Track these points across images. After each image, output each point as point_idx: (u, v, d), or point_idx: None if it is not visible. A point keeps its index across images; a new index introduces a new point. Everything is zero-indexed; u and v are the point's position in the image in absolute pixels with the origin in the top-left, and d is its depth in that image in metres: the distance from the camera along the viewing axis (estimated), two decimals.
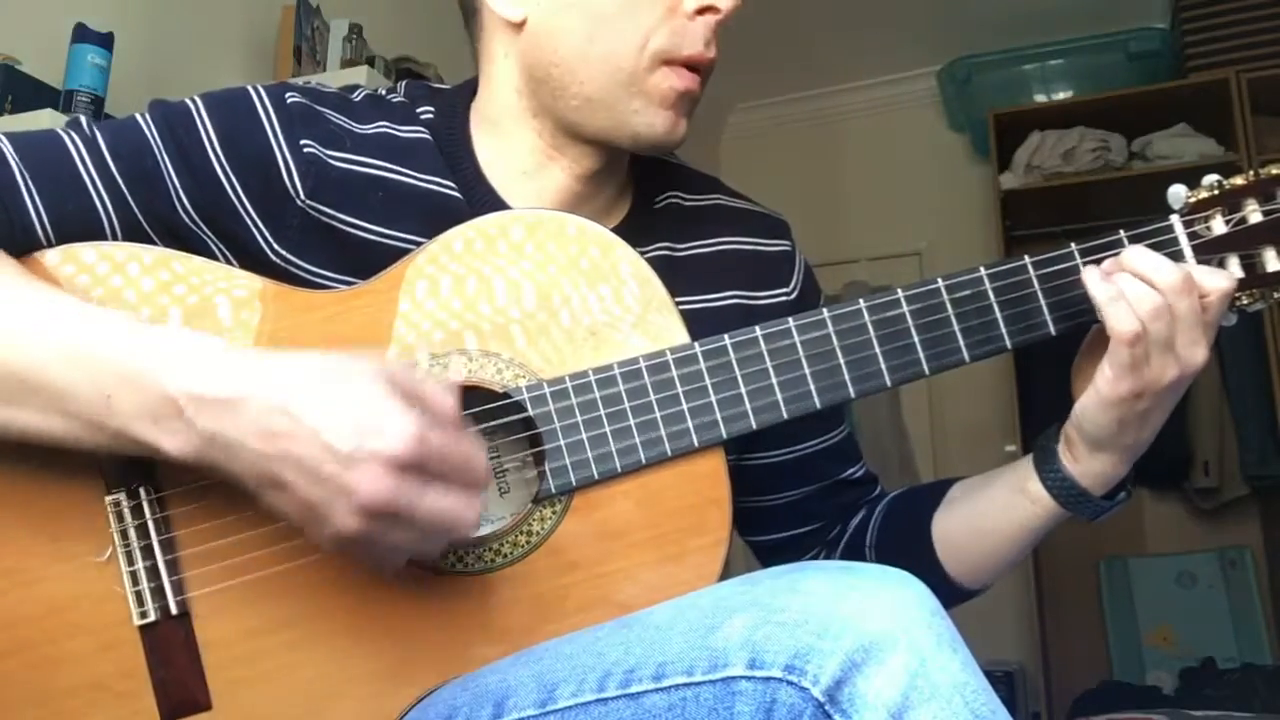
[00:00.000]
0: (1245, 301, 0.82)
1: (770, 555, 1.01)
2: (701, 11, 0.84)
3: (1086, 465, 0.83)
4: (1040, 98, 3.66)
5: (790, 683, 0.62)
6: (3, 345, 0.69)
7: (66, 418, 0.68)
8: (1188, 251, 0.81)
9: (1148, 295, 0.76)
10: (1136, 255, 0.78)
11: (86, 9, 1.68)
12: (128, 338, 0.69)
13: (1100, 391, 0.79)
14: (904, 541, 0.93)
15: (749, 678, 0.63)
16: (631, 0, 0.83)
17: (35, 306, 0.71)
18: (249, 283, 0.79)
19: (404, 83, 0.94)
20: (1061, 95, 3.64)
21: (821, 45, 3.79)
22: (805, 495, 1.00)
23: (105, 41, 1.62)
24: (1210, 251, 0.81)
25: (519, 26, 0.87)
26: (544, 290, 0.80)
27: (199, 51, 2.00)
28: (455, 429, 0.68)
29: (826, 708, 0.61)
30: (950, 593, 0.91)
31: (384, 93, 0.91)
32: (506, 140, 0.88)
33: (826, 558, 1.00)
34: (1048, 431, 0.87)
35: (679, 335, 0.80)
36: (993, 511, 0.89)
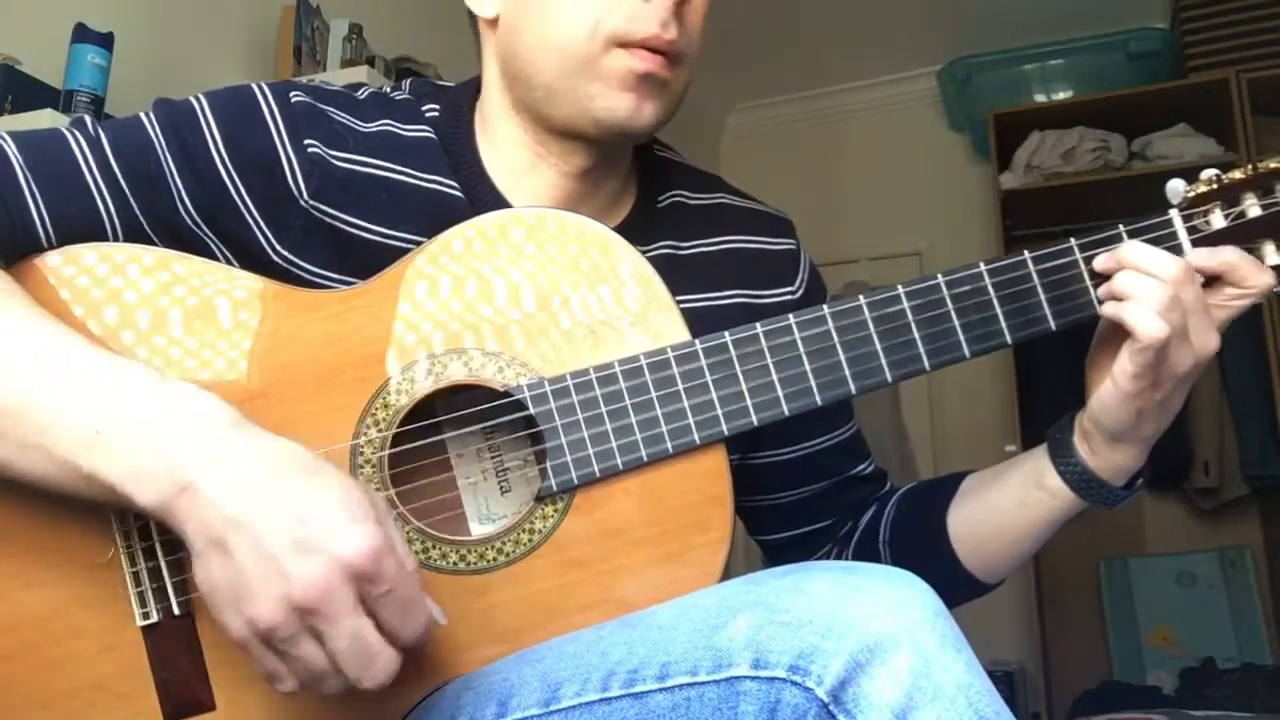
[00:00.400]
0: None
1: (780, 554, 1.01)
2: None
3: (1106, 458, 0.84)
4: (1040, 98, 3.67)
5: (794, 683, 0.62)
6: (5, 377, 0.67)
7: (42, 453, 0.66)
8: (1186, 246, 0.82)
9: (1160, 289, 0.77)
10: (1134, 249, 0.79)
11: (86, 9, 1.68)
12: (127, 380, 0.67)
13: (1120, 386, 0.79)
14: (920, 538, 0.93)
15: (753, 678, 0.63)
16: None
17: (33, 335, 0.69)
18: (249, 283, 0.79)
19: (409, 80, 0.93)
20: (1061, 95, 3.64)
21: (821, 45, 3.79)
22: (814, 493, 1.00)
23: (105, 41, 1.62)
24: (1209, 246, 0.81)
25: (495, 24, 0.88)
26: (544, 289, 0.80)
27: (199, 51, 2.00)
28: (411, 573, 0.65)
29: (831, 708, 0.61)
30: (969, 588, 0.92)
31: (389, 90, 0.91)
32: (500, 139, 0.88)
33: (837, 555, 1.00)
34: (1060, 423, 0.87)
35: (680, 334, 0.80)
36: (1010, 506, 0.89)
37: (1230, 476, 3.26)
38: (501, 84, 0.88)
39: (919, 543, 0.92)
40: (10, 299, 0.71)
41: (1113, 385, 0.79)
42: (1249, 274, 0.80)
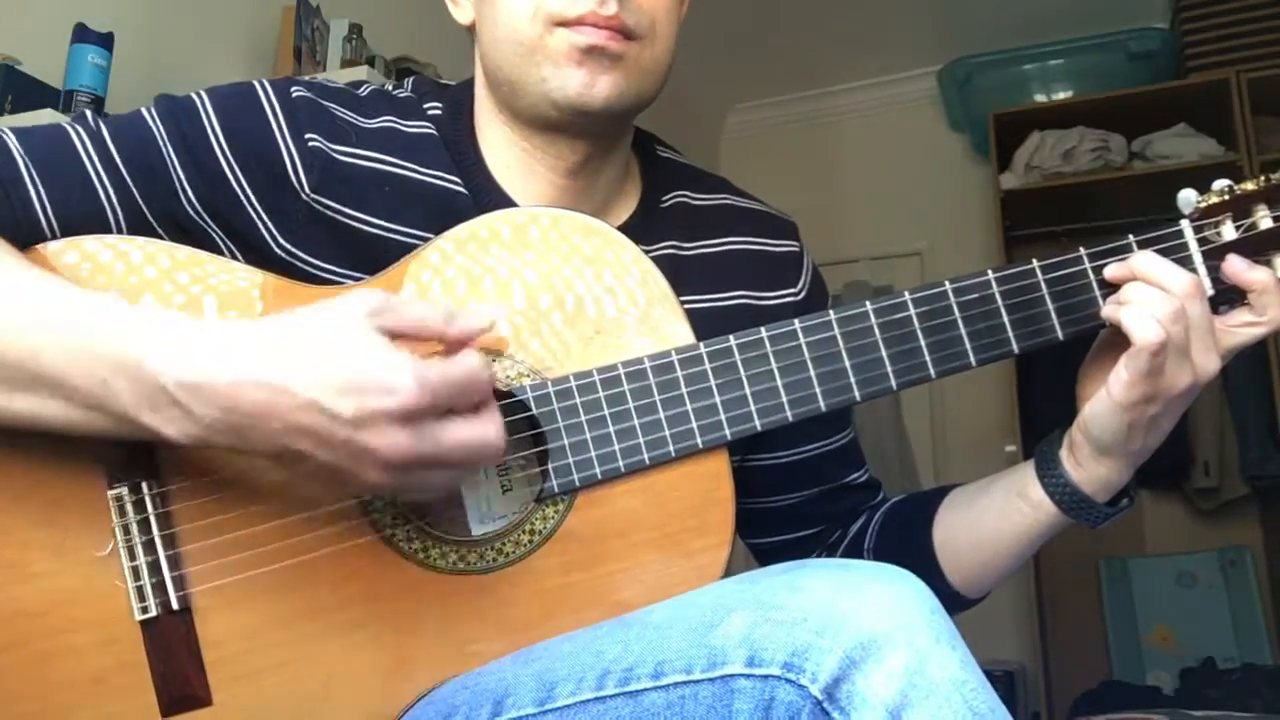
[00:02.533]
0: None
1: (770, 558, 1.01)
2: None
3: (1091, 471, 0.83)
4: (1040, 98, 3.67)
5: (789, 680, 0.62)
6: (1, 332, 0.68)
7: (68, 404, 0.68)
8: (1197, 257, 0.81)
9: (1164, 300, 0.76)
10: (1147, 260, 0.78)
11: (86, 9, 1.68)
12: (118, 324, 0.68)
13: (1113, 395, 0.78)
14: (903, 548, 0.93)
15: (748, 676, 0.63)
16: None
17: (30, 292, 0.70)
18: (251, 276, 0.79)
19: (411, 78, 0.94)
20: (1061, 95, 3.64)
21: (822, 45, 3.79)
22: (807, 498, 1.00)
23: (105, 41, 1.62)
24: (1220, 257, 0.81)
25: (473, 29, 0.90)
26: (547, 288, 0.80)
27: (199, 51, 2.00)
28: (448, 350, 0.68)
29: (825, 705, 0.61)
30: (951, 600, 0.90)
31: (391, 88, 0.92)
32: (492, 141, 0.89)
33: None
34: (1050, 437, 0.86)
35: (683, 334, 0.80)
36: (992, 517, 0.88)
37: (1230, 476, 3.26)
38: (486, 87, 0.89)
39: (901, 554, 0.91)
40: (6, 256, 0.72)
41: (1106, 394, 0.79)
42: (1273, 303, 0.79)
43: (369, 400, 0.64)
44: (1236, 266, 0.79)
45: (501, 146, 0.88)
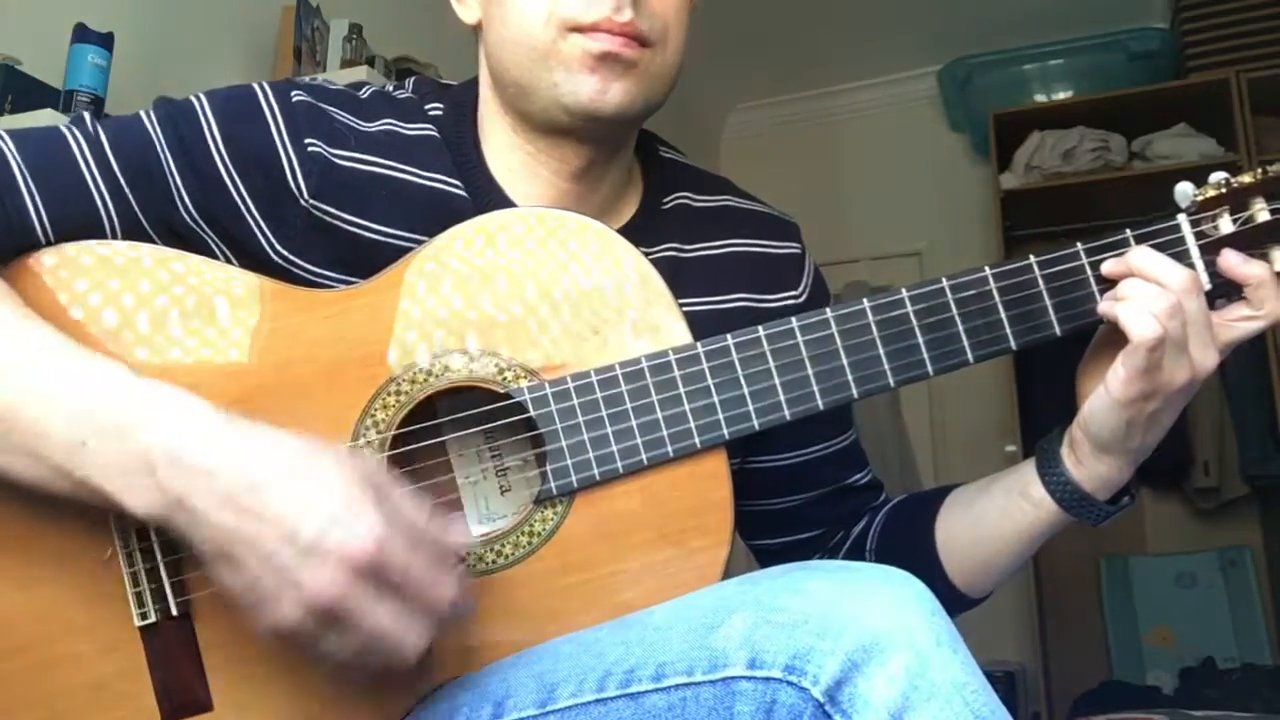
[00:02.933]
0: None
1: (772, 559, 1.00)
2: None
3: (1091, 469, 0.82)
4: (1040, 98, 3.67)
5: (790, 683, 0.62)
6: None
7: (37, 461, 0.67)
8: (1194, 251, 0.81)
9: (1161, 296, 0.76)
10: (1144, 256, 0.78)
11: (86, 9, 1.68)
12: (113, 388, 0.67)
13: (1112, 392, 0.78)
14: (905, 550, 0.92)
15: (749, 678, 0.63)
16: None
17: (23, 339, 0.69)
18: (248, 281, 0.79)
19: (412, 79, 0.93)
20: (1061, 95, 3.64)
21: (821, 45, 3.79)
22: (809, 500, 0.99)
23: (105, 41, 1.62)
24: (1217, 251, 0.80)
25: (479, 29, 0.89)
26: (546, 289, 0.79)
27: (199, 51, 2.00)
28: (426, 543, 0.65)
29: (826, 708, 0.61)
30: (954, 600, 0.90)
31: (392, 89, 0.91)
32: (496, 142, 0.88)
33: None
34: (1050, 435, 0.86)
35: (682, 336, 0.80)
36: (994, 516, 0.88)
37: (1230, 476, 3.26)
38: (491, 87, 0.89)
39: (904, 554, 0.91)
40: (5, 298, 0.71)
41: (1105, 391, 0.78)
42: (1269, 296, 0.78)
43: (330, 535, 0.62)
44: (1232, 261, 0.79)
45: (505, 149, 0.88)
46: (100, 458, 0.66)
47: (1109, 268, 0.80)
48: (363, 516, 0.63)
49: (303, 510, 0.63)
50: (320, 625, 0.63)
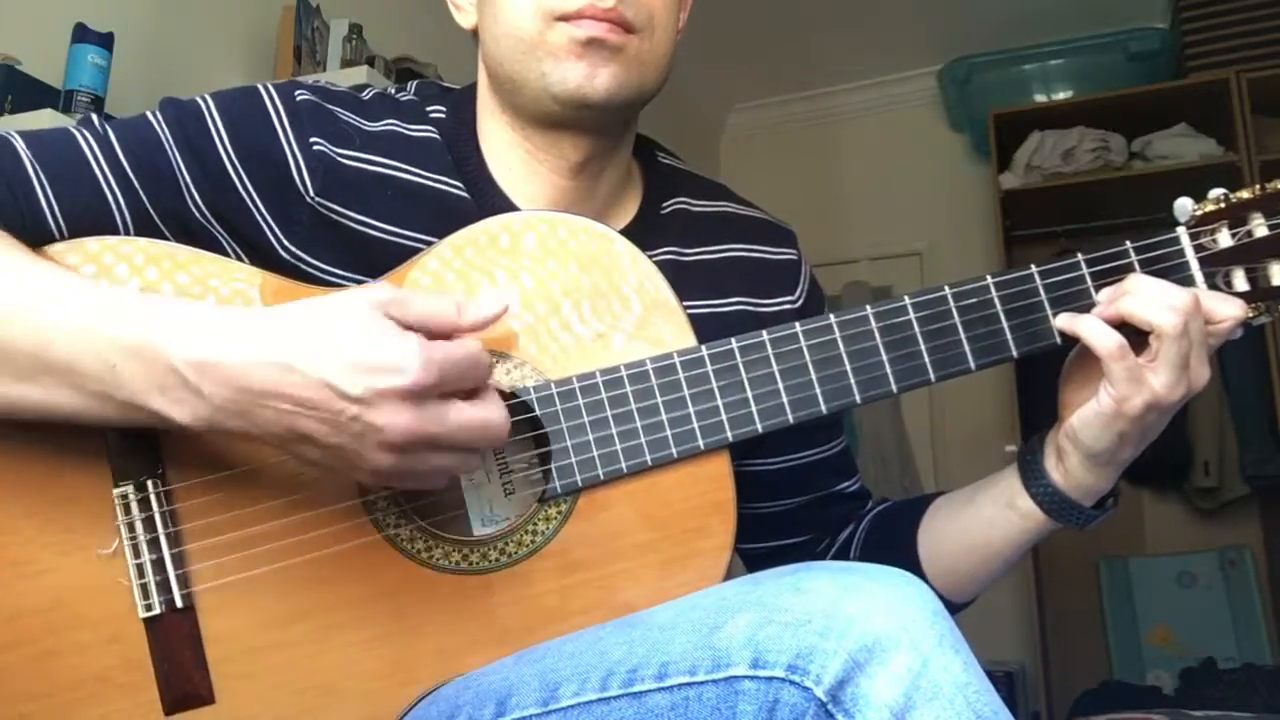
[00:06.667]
0: (1250, 315, 0.81)
1: (760, 564, 1.01)
2: None
3: (1079, 479, 0.83)
4: (1040, 98, 3.67)
5: (793, 682, 0.62)
6: (7, 321, 0.69)
7: (75, 391, 0.68)
8: (1194, 264, 0.81)
9: (1168, 312, 0.76)
10: (1142, 283, 0.78)
11: (86, 9, 1.68)
12: (127, 310, 0.68)
13: (1108, 408, 0.78)
14: (888, 556, 0.91)
15: (752, 677, 0.63)
16: None
17: (40, 283, 0.70)
18: (256, 278, 0.79)
19: (415, 82, 0.94)
20: (1061, 95, 3.65)
21: (821, 45, 3.79)
22: (798, 505, 1.00)
23: (105, 41, 1.62)
24: (1216, 265, 0.81)
25: (476, 32, 0.90)
26: (548, 291, 0.80)
27: (199, 51, 2.00)
28: (452, 335, 0.69)
29: (829, 708, 0.61)
30: None
31: (394, 91, 0.92)
32: (495, 142, 0.89)
33: None
34: (1030, 444, 0.87)
35: (685, 338, 0.81)
36: (980, 526, 0.89)
37: (1230, 476, 3.26)
38: (488, 88, 0.90)
39: (886, 561, 0.91)
40: (7, 248, 0.72)
41: (1098, 406, 0.79)
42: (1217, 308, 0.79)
43: (376, 379, 0.64)
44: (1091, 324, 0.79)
45: (504, 148, 0.88)
46: (133, 379, 0.67)
47: (1110, 297, 0.79)
48: (395, 346, 0.65)
49: (340, 366, 0.65)
50: (415, 454, 0.67)
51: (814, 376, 0.80)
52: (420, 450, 0.67)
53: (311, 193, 0.82)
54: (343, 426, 0.65)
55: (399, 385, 0.64)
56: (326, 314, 0.67)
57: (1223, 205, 0.82)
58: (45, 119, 1.48)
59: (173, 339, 0.66)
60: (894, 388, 0.81)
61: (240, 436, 0.69)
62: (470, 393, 0.69)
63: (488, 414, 0.69)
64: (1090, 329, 0.78)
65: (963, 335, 0.81)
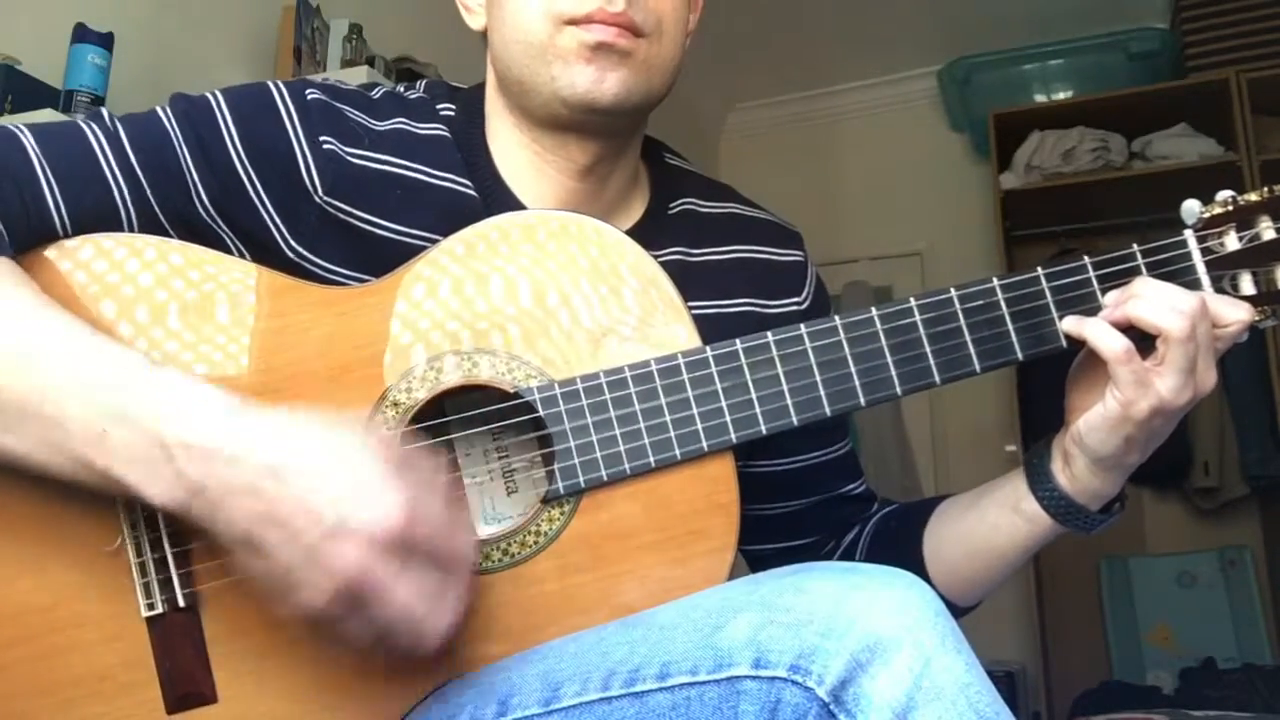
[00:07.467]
0: (1257, 318, 0.81)
1: (763, 565, 1.01)
2: None
3: (1086, 483, 0.83)
4: (1040, 98, 3.67)
5: (795, 683, 0.62)
6: (5, 369, 0.68)
7: (56, 451, 0.67)
8: (1201, 268, 0.81)
9: (1175, 316, 0.76)
10: (1149, 287, 0.78)
11: (86, 9, 1.68)
12: (130, 377, 0.68)
13: (1114, 412, 0.78)
14: (892, 559, 0.92)
15: (754, 677, 0.64)
16: None
17: (43, 329, 0.69)
18: (259, 277, 0.79)
19: (424, 81, 0.94)
20: (1061, 95, 3.64)
21: (821, 45, 3.79)
22: (803, 507, 1.00)
23: (105, 41, 1.62)
24: (1223, 268, 0.81)
25: (485, 34, 0.90)
26: (554, 290, 0.80)
27: (199, 51, 2.00)
28: (445, 513, 0.67)
29: (831, 708, 0.61)
30: None
31: (404, 89, 0.92)
32: (503, 143, 0.89)
33: None
34: (1036, 448, 0.87)
35: (690, 339, 0.81)
36: (985, 530, 0.89)
37: (1230, 476, 3.26)
38: (497, 89, 0.90)
39: (890, 564, 0.92)
40: (15, 288, 0.71)
41: (1104, 410, 0.79)
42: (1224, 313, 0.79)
43: (355, 512, 0.63)
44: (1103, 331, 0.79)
45: (512, 149, 0.88)
46: (119, 448, 0.66)
47: (1117, 301, 0.79)
48: (387, 492, 0.64)
49: (324, 490, 0.64)
50: (347, 606, 0.64)
51: (819, 378, 0.80)
52: (355, 604, 0.64)
53: (320, 192, 0.82)
54: (298, 543, 0.63)
55: (370, 528, 0.63)
56: (332, 439, 0.66)
57: (1230, 208, 0.82)
58: (45, 119, 1.47)
59: (170, 416, 0.66)
60: (899, 390, 0.81)
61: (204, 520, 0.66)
62: (442, 585, 0.66)
63: (427, 617, 0.65)
64: (1096, 332, 0.78)
65: (968, 338, 0.81)
